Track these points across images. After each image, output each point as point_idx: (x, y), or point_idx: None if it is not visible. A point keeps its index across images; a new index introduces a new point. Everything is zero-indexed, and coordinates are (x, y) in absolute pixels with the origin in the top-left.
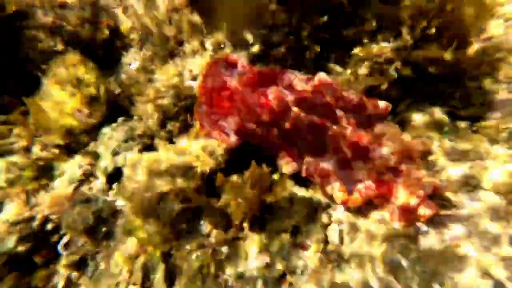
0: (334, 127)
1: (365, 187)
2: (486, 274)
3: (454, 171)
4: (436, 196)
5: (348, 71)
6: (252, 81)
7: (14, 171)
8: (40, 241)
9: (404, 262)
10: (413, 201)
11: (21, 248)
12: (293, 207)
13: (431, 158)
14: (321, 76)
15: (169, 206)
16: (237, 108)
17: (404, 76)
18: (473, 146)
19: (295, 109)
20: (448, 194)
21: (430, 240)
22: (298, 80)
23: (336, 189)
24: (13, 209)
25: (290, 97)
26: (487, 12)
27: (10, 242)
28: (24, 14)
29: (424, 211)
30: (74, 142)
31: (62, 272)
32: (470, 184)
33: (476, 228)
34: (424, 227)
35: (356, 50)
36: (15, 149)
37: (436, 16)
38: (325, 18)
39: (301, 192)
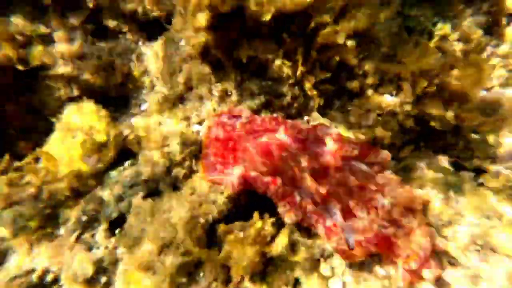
0: (337, 175)
1: (366, 240)
2: None
3: (461, 227)
4: (442, 253)
5: (352, 119)
6: (254, 130)
7: (21, 222)
8: None
9: None
10: (414, 264)
11: None
12: (294, 257)
13: (435, 212)
14: (323, 131)
15: (170, 259)
16: (241, 158)
17: (407, 128)
18: (480, 202)
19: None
20: (455, 252)
21: None
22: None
23: (337, 239)
24: (15, 262)
25: (293, 145)
26: (485, 76)
27: None
28: (46, 66)
29: (427, 273)
30: (82, 186)
31: None
32: (477, 244)
33: None
34: (427, 285)
35: (360, 101)
36: (24, 197)
37: (436, 76)
38: (329, 74)
39: (303, 240)
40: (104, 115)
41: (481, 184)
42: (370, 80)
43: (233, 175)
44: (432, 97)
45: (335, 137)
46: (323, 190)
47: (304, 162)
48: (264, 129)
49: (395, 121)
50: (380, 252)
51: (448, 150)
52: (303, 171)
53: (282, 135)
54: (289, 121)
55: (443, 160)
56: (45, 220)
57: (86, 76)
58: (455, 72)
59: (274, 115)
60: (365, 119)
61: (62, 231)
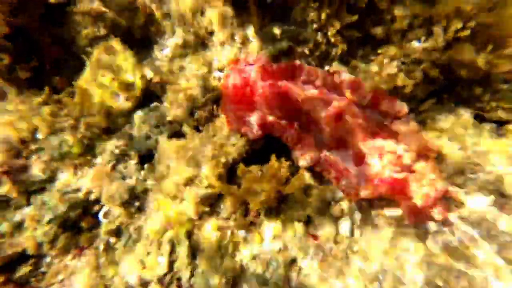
0: (352, 120)
1: (378, 181)
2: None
3: (474, 175)
4: (449, 198)
5: (374, 68)
6: (271, 76)
7: (65, 147)
8: (85, 209)
9: (412, 259)
10: (425, 202)
11: (72, 214)
12: (307, 198)
13: (450, 160)
14: (344, 76)
15: (194, 190)
16: (258, 103)
17: (431, 77)
18: (496, 152)
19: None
20: (463, 197)
21: (439, 239)
22: (318, 75)
23: (350, 184)
24: (64, 180)
25: (310, 92)
26: None
27: (63, 208)
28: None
29: (436, 212)
30: (112, 124)
31: (102, 237)
32: (488, 189)
33: (488, 232)
34: (434, 227)
35: (384, 49)
36: (65, 127)
37: (473, 17)
38: (356, 17)
39: (316, 183)
40: (130, 54)
41: (502, 135)
42: (397, 25)
43: (252, 122)
44: (463, 43)
45: (350, 82)
46: (337, 134)
47: (320, 108)
48: (281, 76)
49: (419, 70)
50: (391, 193)
51: (472, 103)
52: (319, 116)
53: (299, 81)
54: (306, 66)
55: (465, 112)
56: (84, 148)
57: (111, 14)
58: (494, 13)
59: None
60: (388, 67)
61: (99, 160)
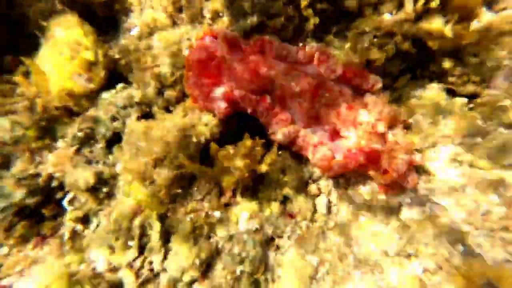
0: (326, 95)
1: (355, 151)
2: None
3: (444, 148)
4: (420, 170)
5: (347, 44)
6: (239, 50)
7: (18, 130)
8: (47, 196)
9: (385, 230)
10: (397, 171)
11: (29, 201)
12: (284, 177)
13: (422, 134)
14: (313, 46)
15: (164, 172)
16: (226, 78)
17: (403, 50)
18: (466, 124)
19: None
20: (434, 169)
21: (412, 210)
22: (288, 50)
23: (324, 156)
24: (19, 165)
25: (280, 66)
26: None
27: (19, 195)
28: None
29: (407, 181)
30: (75, 106)
31: (68, 224)
32: (457, 160)
33: (458, 201)
34: (407, 199)
35: (357, 23)
36: (19, 108)
37: None
38: None
39: (293, 164)
40: (89, 30)
41: (471, 109)
42: None
43: (218, 97)
44: (433, 14)
45: (320, 54)
46: (311, 109)
47: (292, 82)
48: (250, 50)
49: (392, 43)
50: (366, 164)
51: (445, 77)
52: (292, 92)
53: (269, 57)
54: (276, 42)
55: (437, 88)
56: (42, 131)
57: None
58: None
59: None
60: (361, 41)
61: (60, 144)
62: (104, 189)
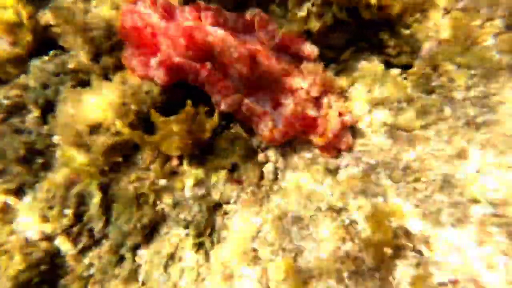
0: (266, 62)
1: (292, 119)
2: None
3: (377, 114)
4: (358, 135)
5: (289, 14)
6: (174, 17)
7: None
8: None
9: (320, 188)
10: (333, 133)
11: None
12: (233, 147)
13: (358, 101)
14: (252, 12)
15: (101, 139)
16: (163, 46)
17: (341, 20)
18: (397, 92)
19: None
20: (369, 134)
21: (347, 171)
22: (226, 17)
23: (266, 127)
24: None
25: (219, 32)
26: None
27: None
28: None
29: (342, 142)
30: (2, 74)
31: None
32: (387, 124)
33: (388, 163)
34: (344, 161)
35: None
36: None
37: None
38: None
39: (243, 133)
40: None
41: (405, 78)
42: None
43: (157, 65)
44: None
45: (260, 21)
46: (252, 77)
47: (232, 50)
48: (185, 17)
49: (330, 12)
50: (304, 129)
51: (383, 49)
52: (232, 59)
53: (206, 23)
54: (213, 7)
55: (376, 60)
56: None
57: None
58: None
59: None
60: (299, 9)
61: None
62: (39, 160)
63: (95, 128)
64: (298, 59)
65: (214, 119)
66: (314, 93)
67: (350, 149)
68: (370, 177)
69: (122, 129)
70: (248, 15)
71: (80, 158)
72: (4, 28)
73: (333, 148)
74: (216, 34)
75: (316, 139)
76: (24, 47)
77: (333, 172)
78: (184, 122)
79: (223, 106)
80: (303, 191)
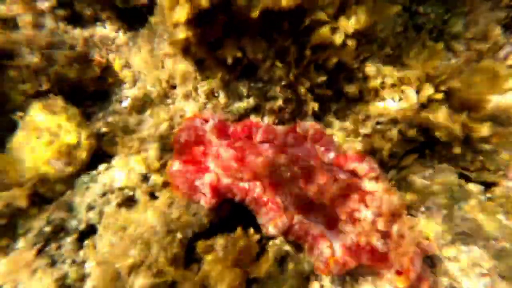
0: (320, 180)
1: (355, 251)
2: None
3: (465, 247)
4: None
5: (350, 126)
6: (227, 135)
7: None
8: None
9: None
10: (414, 263)
11: None
12: (282, 274)
13: (437, 229)
14: (306, 125)
15: (140, 282)
16: (212, 164)
17: (409, 138)
18: (487, 220)
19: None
20: (457, 274)
21: None
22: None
23: (322, 255)
24: None
25: (270, 151)
26: (500, 84)
27: None
28: (9, 53)
29: (424, 284)
30: (47, 191)
31: None
32: (482, 267)
33: None
34: None
35: (358, 108)
36: None
37: (444, 81)
38: (325, 77)
39: (292, 251)
40: (74, 113)
41: (490, 199)
42: (371, 84)
43: (204, 186)
44: (438, 105)
45: (315, 131)
46: (305, 196)
47: (283, 167)
48: (236, 135)
49: (396, 130)
50: (370, 264)
51: (455, 160)
52: (283, 176)
53: (256, 138)
54: (263, 124)
55: (449, 171)
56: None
57: (57, 67)
58: (465, 77)
59: (261, 120)
60: (363, 126)
61: (20, 244)
62: None
63: (135, 267)
64: (355, 175)
65: (267, 260)
66: (380, 226)
67: None
68: None
69: (166, 268)
70: (299, 130)
71: None
72: (63, 151)
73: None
74: (267, 154)
75: (393, 279)
76: (77, 166)
77: None
78: (235, 262)
79: (273, 230)
80: None
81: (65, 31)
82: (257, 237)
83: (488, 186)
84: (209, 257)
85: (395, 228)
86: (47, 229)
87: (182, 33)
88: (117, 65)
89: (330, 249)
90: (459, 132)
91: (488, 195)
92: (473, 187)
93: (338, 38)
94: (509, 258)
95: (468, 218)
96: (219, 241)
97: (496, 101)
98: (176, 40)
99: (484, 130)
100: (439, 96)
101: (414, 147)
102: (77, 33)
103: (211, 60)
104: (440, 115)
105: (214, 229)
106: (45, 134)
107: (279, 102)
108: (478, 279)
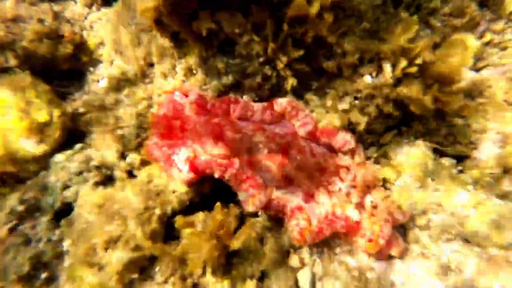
0: (298, 156)
1: (330, 219)
2: None
3: (435, 216)
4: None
5: (329, 103)
6: (206, 111)
7: None
8: None
9: None
10: (383, 232)
11: None
12: (262, 248)
13: (411, 200)
14: (283, 102)
15: (117, 256)
16: (189, 139)
17: (386, 113)
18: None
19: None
20: (427, 241)
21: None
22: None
23: (298, 226)
24: None
25: (247, 127)
26: (470, 56)
27: None
28: None
29: (393, 250)
30: (21, 171)
31: None
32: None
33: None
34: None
35: (337, 83)
36: None
37: (418, 55)
38: (301, 52)
39: (273, 226)
40: (44, 89)
41: (461, 171)
42: (349, 60)
43: (181, 161)
44: (412, 79)
45: (291, 107)
46: (283, 171)
47: (261, 144)
48: (214, 110)
49: (373, 106)
50: (344, 232)
51: (430, 136)
52: (261, 153)
53: (234, 117)
54: (242, 100)
55: (423, 146)
56: None
57: (25, 43)
58: (439, 51)
59: (242, 96)
60: (342, 102)
61: None
62: (43, 275)
63: (112, 242)
64: (332, 149)
65: (246, 228)
66: (355, 198)
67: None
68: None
69: (144, 243)
70: (276, 107)
71: (91, 278)
72: (34, 129)
73: (384, 255)
74: (245, 130)
75: (364, 245)
76: (51, 144)
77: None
78: (212, 235)
79: (251, 208)
80: None
81: (31, 3)
82: (237, 211)
83: (460, 159)
84: (187, 231)
85: (368, 199)
86: (20, 208)
87: (151, 1)
88: (91, 43)
89: (307, 221)
90: (430, 104)
91: (459, 167)
92: (445, 161)
93: (315, 9)
94: (472, 223)
95: (439, 189)
96: (199, 217)
97: (470, 77)
98: (145, 8)
99: (455, 102)
100: (413, 69)
101: (393, 125)
102: (45, 7)
103: (186, 34)
104: (414, 89)
105: (196, 207)
106: (14, 111)
107: (258, 79)
108: (446, 245)
